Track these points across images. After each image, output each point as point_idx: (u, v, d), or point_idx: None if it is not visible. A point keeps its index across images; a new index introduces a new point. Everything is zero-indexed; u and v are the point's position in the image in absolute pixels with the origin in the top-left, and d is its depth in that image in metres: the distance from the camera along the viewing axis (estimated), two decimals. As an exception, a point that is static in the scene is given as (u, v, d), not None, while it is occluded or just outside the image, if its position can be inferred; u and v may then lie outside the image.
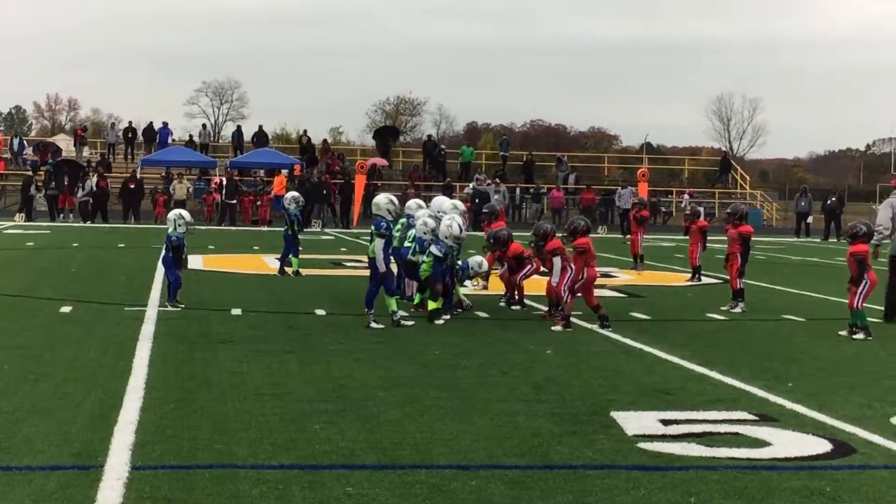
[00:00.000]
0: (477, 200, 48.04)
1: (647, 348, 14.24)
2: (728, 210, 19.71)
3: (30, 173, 49.35)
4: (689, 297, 20.25)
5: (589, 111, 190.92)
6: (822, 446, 9.02)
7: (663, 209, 59.51)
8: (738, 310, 18.42)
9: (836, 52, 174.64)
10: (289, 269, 22.36)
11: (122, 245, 32.23)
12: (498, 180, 53.55)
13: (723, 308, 18.66)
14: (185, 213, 18.06)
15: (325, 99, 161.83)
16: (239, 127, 66.07)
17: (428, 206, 18.12)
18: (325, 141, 64.79)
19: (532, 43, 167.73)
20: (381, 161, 58.65)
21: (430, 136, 70.40)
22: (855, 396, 11.25)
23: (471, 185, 19.09)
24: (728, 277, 19.23)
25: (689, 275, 24.11)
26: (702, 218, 24.69)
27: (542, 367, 12.60)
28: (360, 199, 47.70)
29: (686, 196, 60.07)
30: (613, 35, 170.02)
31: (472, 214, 26.49)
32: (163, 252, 17.96)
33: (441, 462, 8.27)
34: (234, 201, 48.49)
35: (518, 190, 56.94)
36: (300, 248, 23.14)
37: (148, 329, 14.77)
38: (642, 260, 26.86)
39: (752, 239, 19.28)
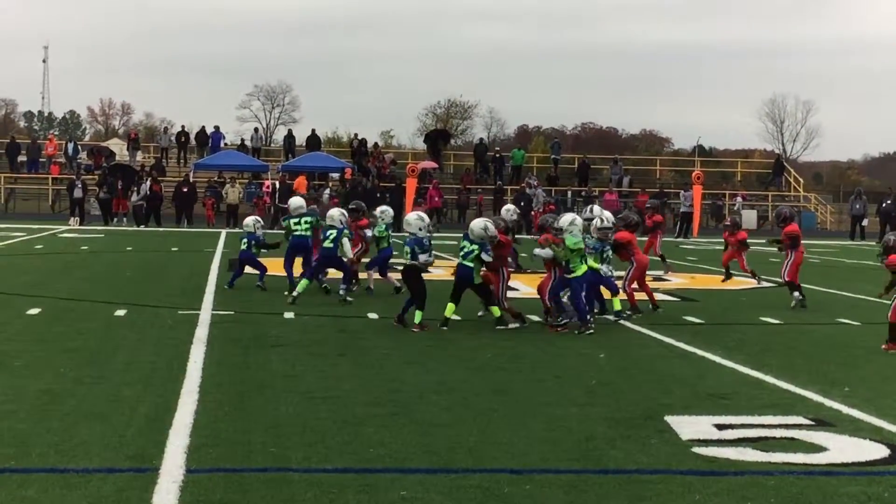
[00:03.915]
0: (522, 203, 48.05)
1: (700, 352, 14.16)
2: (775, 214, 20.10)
3: (72, 176, 49.69)
4: (743, 301, 20.12)
5: (640, 114, 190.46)
6: (880, 452, 8.92)
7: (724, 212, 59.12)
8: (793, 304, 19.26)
9: (891, 53, 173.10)
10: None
11: (176, 249, 32.44)
12: (535, 183, 53.39)
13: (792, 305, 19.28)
14: (259, 219, 22.13)
15: (377, 102, 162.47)
16: (290, 131, 66.32)
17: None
18: (375, 144, 64.89)
19: (582, 46, 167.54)
20: (431, 164, 58.71)
21: (481, 140, 70.53)
22: (913, 401, 11.13)
23: (509, 209, 18.51)
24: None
25: (724, 276, 23.84)
26: (741, 229, 24.51)
27: (595, 371, 12.55)
28: (412, 202, 47.73)
29: (739, 199, 59.76)
30: (663, 38, 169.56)
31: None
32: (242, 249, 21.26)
33: (495, 466, 8.25)
34: (286, 205, 48.65)
35: (570, 193, 56.81)
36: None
37: (202, 332, 14.85)
38: (664, 260, 26.46)
39: (808, 242, 19.39)
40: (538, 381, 11.88)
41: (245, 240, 21.38)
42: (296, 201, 21.54)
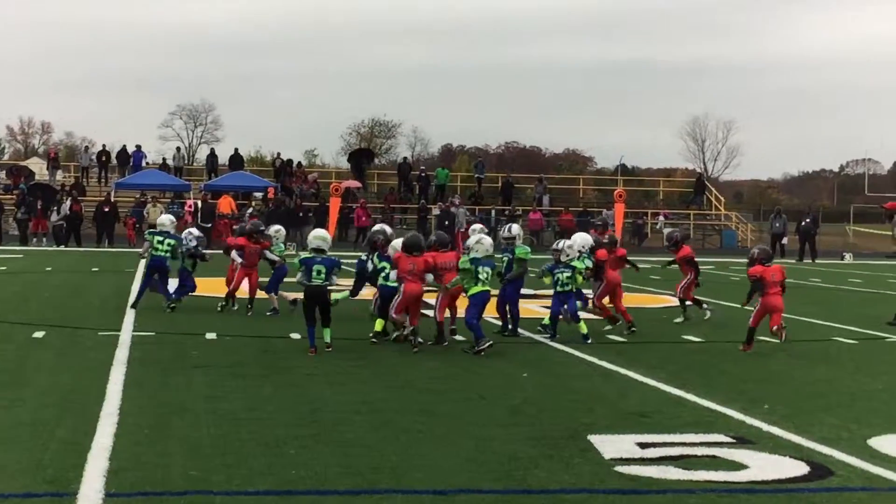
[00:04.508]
0: (446, 223, 48.17)
1: (623, 371, 14.23)
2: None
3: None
4: (664, 319, 20.24)
5: (564, 133, 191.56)
6: (800, 469, 9.00)
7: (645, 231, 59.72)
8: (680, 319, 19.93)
9: (810, 74, 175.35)
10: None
11: (96, 269, 32.07)
12: (458, 202, 53.64)
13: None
14: (195, 230, 21.45)
15: (301, 121, 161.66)
16: (213, 150, 65.88)
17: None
18: (299, 164, 64.67)
19: (506, 65, 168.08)
20: (354, 183, 58.63)
21: (405, 159, 70.48)
22: (831, 418, 11.24)
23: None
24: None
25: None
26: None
27: (519, 391, 12.57)
28: (335, 221, 47.59)
29: (661, 217, 60.25)
30: (587, 57, 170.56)
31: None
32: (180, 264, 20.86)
33: (418, 487, 8.22)
34: (209, 225, 48.34)
35: (493, 212, 56.96)
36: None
37: (122, 354, 14.67)
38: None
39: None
40: (463, 400, 11.87)
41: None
42: (164, 219, 21.32)
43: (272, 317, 19.48)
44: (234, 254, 20.26)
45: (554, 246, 17.65)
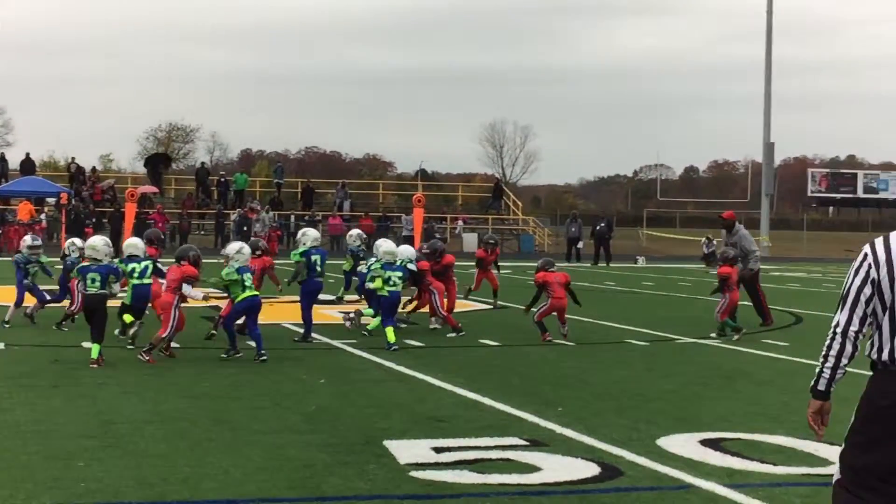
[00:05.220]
0: (244, 228, 47.74)
1: (420, 375, 14.28)
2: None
3: None
4: (462, 324, 20.36)
5: (364, 138, 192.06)
6: (591, 470, 9.14)
7: (438, 235, 60.03)
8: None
9: (606, 82, 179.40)
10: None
11: None
12: (258, 207, 53.32)
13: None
14: (77, 241, 20.01)
15: (96, 125, 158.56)
16: (3, 154, 63.94)
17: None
18: (93, 169, 63.34)
19: (306, 71, 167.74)
20: (151, 189, 57.70)
21: (202, 164, 69.69)
22: (622, 419, 11.45)
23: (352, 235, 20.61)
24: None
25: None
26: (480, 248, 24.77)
27: (315, 398, 12.50)
28: (131, 227, 46.68)
29: (460, 222, 60.83)
30: (386, 62, 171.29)
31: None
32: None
33: (210, 497, 8.09)
34: (-1, 231, 47.00)
35: (293, 217, 56.70)
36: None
37: None
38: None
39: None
40: (257, 408, 11.75)
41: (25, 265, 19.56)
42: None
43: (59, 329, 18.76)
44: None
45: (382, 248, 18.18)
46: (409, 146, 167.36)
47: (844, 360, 5.59)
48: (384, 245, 18.33)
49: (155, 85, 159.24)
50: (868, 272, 5.42)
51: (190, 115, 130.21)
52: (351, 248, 21.93)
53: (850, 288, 5.48)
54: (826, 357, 5.61)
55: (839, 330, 5.51)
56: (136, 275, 16.06)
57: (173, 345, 15.81)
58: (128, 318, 16.27)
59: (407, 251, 19.19)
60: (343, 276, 22.19)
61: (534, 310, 18.49)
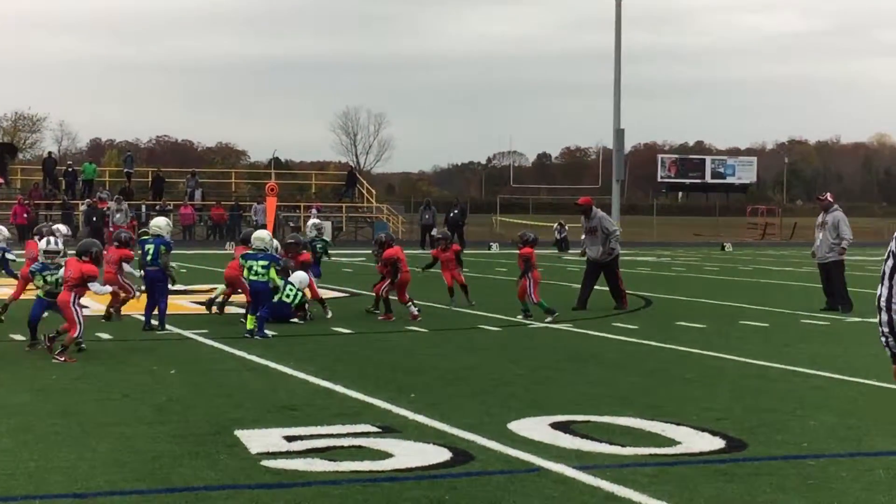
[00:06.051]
0: (94, 219, 46.85)
1: (273, 364, 14.18)
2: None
3: None
4: (314, 312, 20.26)
5: (216, 127, 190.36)
6: (443, 455, 9.17)
7: (291, 224, 59.79)
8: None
9: (459, 69, 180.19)
10: None
11: None
12: (120, 197, 52.55)
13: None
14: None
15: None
16: None
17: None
18: (-64, 159, 61.72)
19: (157, 59, 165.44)
20: (-4, 179, 56.44)
21: (50, 154, 68.33)
22: (475, 404, 11.51)
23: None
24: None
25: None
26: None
27: (166, 388, 12.34)
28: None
29: (314, 210, 60.59)
30: (241, 51, 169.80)
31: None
32: None
33: (57, 491, 7.93)
34: None
35: (144, 207, 55.92)
36: None
37: None
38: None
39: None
40: (105, 400, 11.57)
41: None
42: None
43: None
44: None
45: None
46: (263, 135, 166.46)
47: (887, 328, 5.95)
48: (255, 233, 18.43)
49: (1, 73, 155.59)
50: (889, 247, 5.92)
51: (37, 104, 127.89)
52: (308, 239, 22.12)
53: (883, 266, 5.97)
54: (881, 330, 5.97)
55: (880, 304, 5.93)
56: None
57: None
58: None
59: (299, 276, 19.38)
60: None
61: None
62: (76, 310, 14.65)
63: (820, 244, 22.25)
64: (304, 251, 20.59)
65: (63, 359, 14.24)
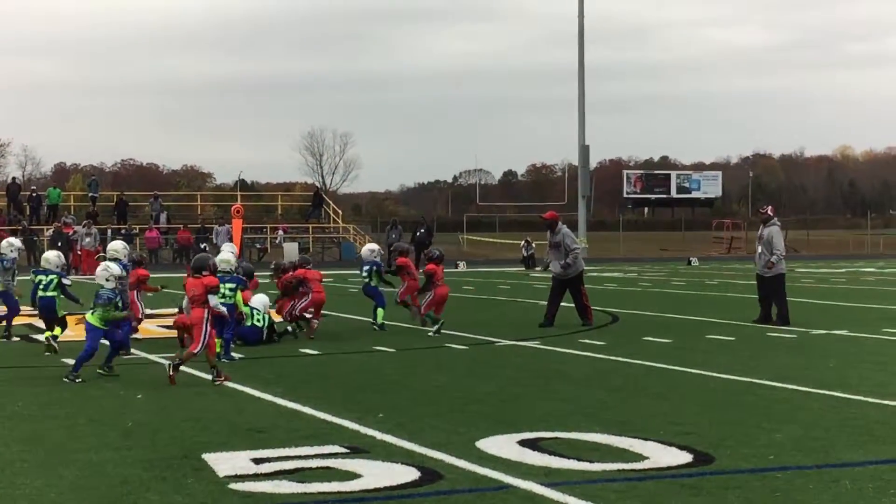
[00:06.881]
0: (59, 244, 46.65)
1: (240, 387, 14.14)
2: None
3: None
4: (286, 332, 20.21)
5: (181, 150, 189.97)
6: (411, 474, 9.16)
7: (258, 245, 59.76)
8: None
9: (424, 88, 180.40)
10: None
11: None
12: (89, 221, 52.37)
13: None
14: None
15: None
16: None
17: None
18: None
19: (122, 81, 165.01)
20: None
21: (14, 179, 68.03)
22: (442, 423, 11.51)
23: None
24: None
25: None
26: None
27: (133, 413, 12.29)
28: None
29: (280, 232, 60.54)
30: (204, 74, 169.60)
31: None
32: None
33: (23, 519, 7.91)
34: None
35: (110, 231, 55.70)
36: None
37: None
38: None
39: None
40: (72, 426, 11.51)
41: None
42: None
43: None
44: None
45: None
46: (229, 157, 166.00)
47: None
48: (221, 255, 18.41)
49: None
50: None
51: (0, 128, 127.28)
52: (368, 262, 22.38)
53: None
54: None
55: None
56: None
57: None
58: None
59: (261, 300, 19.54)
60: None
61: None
62: (206, 328, 14.76)
63: (758, 257, 22.54)
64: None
65: (223, 378, 14.56)
